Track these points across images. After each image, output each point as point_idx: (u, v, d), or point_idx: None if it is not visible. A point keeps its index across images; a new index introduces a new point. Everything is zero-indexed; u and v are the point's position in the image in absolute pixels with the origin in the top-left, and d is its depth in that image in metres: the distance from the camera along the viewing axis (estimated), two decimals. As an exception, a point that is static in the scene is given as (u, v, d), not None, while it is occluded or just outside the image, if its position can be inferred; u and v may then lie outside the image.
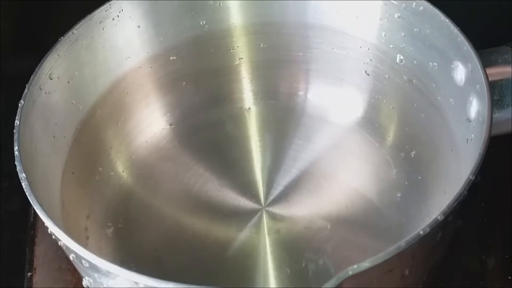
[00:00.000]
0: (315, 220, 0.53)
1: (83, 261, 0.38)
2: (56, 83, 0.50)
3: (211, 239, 0.52)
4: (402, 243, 0.36)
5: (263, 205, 0.55)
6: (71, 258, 0.41)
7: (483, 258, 0.53)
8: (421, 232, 0.36)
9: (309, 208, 0.54)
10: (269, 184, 0.56)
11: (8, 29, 0.59)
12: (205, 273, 0.50)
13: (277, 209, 0.54)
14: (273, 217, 0.54)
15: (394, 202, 0.53)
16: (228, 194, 0.55)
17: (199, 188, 0.56)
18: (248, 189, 0.56)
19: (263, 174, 0.57)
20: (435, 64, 0.51)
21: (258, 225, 0.53)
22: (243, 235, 0.53)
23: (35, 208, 0.40)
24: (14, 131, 0.45)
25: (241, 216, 0.54)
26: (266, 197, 0.55)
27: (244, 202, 0.55)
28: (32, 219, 0.58)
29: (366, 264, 0.35)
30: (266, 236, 0.53)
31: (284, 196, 0.55)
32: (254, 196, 0.55)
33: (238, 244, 0.52)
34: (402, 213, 0.53)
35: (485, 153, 0.40)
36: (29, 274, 0.55)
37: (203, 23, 0.59)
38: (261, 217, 0.54)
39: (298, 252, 0.51)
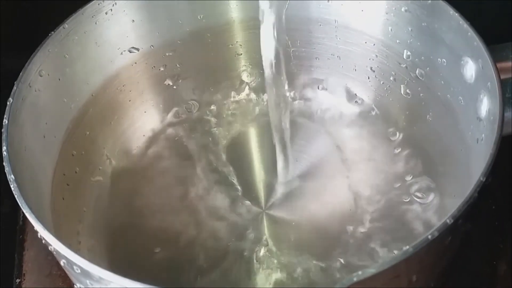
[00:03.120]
0: (317, 223, 0.53)
1: (74, 267, 0.38)
2: (46, 80, 0.50)
3: (208, 243, 0.52)
4: (409, 248, 0.35)
5: (263, 208, 0.55)
6: (62, 263, 0.41)
7: (494, 263, 0.53)
8: (430, 236, 0.36)
9: (311, 211, 0.54)
10: (270, 186, 0.56)
11: (3, 25, 0.59)
12: (202, 278, 0.50)
13: (278, 212, 0.54)
14: (274, 220, 0.54)
15: (401, 205, 0.53)
16: (226, 196, 0.55)
17: (196, 189, 0.56)
18: (247, 191, 0.56)
19: (263, 175, 0.57)
20: (444, 60, 0.51)
21: (259, 228, 0.53)
22: (243, 238, 0.53)
23: (24, 211, 0.40)
24: (2, 130, 0.45)
25: (241, 219, 0.54)
26: (266, 200, 0.55)
27: (244, 205, 0.55)
28: (21, 222, 0.58)
29: (371, 270, 0.34)
30: (267, 239, 0.52)
31: (285, 198, 0.55)
32: (254, 199, 0.55)
33: (237, 248, 0.52)
34: (410, 216, 0.52)
35: (496, 153, 0.40)
36: (18, 280, 0.54)
37: (200, 17, 0.59)
38: (261, 220, 0.54)
39: (300, 257, 0.51)
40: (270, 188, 0.56)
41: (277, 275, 0.50)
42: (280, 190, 0.56)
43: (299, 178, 0.56)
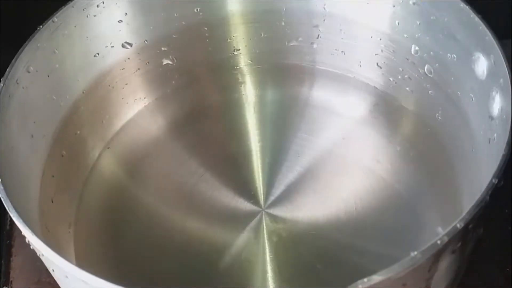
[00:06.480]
0: (320, 223, 0.53)
1: (64, 274, 0.38)
2: (34, 76, 0.50)
3: (205, 244, 0.52)
4: (417, 254, 0.35)
5: (263, 206, 0.54)
6: (51, 270, 0.41)
7: (507, 269, 0.53)
8: (439, 242, 0.36)
9: (314, 210, 0.54)
10: (270, 183, 0.56)
11: (2, 22, 0.59)
12: (198, 282, 0.50)
13: (278, 211, 0.54)
14: (274, 220, 0.53)
15: (409, 206, 0.53)
16: (224, 194, 0.55)
17: (192, 187, 0.56)
18: (246, 188, 0.56)
19: (263, 172, 0.57)
20: (454, 55, 0.51)
21: (257, 228, 0.53)
22: (241, 240, 0.52)
23: (11, 214, 0.40)
24: (-12, 129, 0.45)
25: (238, 219, 0.54)
26: (266, 198, 0.55)
27: (242, 203, 0.55)
28: (8, 227, 0.58)
29: (377, 277, 0.34)
30: (266, 241, 0.52)
31: (286, 196, 0.55)
32: (253, 197, 0.55)
33: (235, 250, 0.52)
34: (418, 219, 0.52)
35: (509, 154, 0.40)
36: (5, 287, 0.54)
37: (197, 10, 0.59)
38: (260, 220, 0.54)
39: (301, 259, 0.51)
40: (269, 185, 0.56)
41: (274, 282, 0.50)
42: (280, 187, 0.56)
43: (301, 175, 0.56)
